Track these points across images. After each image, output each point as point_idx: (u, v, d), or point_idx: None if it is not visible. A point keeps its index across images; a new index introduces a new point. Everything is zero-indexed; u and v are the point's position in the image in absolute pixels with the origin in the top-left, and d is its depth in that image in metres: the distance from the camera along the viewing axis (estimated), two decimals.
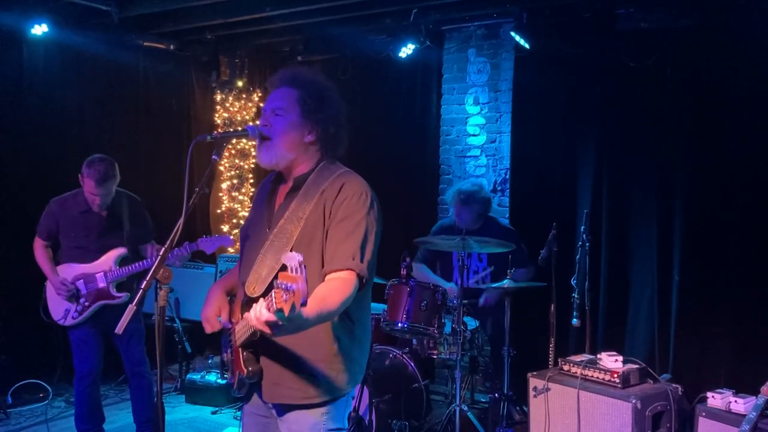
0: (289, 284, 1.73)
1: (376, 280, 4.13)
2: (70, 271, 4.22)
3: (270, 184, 2.44)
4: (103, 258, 4.21)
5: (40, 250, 4.26)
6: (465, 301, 4.35)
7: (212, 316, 2.39)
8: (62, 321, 4.18)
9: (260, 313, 1.84)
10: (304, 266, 1.74)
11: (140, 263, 4.19)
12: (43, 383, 5.32)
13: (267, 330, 1.88)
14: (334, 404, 2.28)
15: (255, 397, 2.36)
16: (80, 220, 4.19)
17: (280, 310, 1.76)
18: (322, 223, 2.22)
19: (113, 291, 4.19)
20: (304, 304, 1.74)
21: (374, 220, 2.25)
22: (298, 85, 2.33)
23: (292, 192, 2.33)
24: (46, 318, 4.27)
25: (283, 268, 1.77)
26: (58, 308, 4.21)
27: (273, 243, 2.26)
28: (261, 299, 1.89)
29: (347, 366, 2.27)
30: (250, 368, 2.23)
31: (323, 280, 2.17)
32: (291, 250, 2.19)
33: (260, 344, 2.23)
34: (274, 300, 1.79)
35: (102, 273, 4.17)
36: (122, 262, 4.23)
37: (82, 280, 4.18)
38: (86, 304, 4.17)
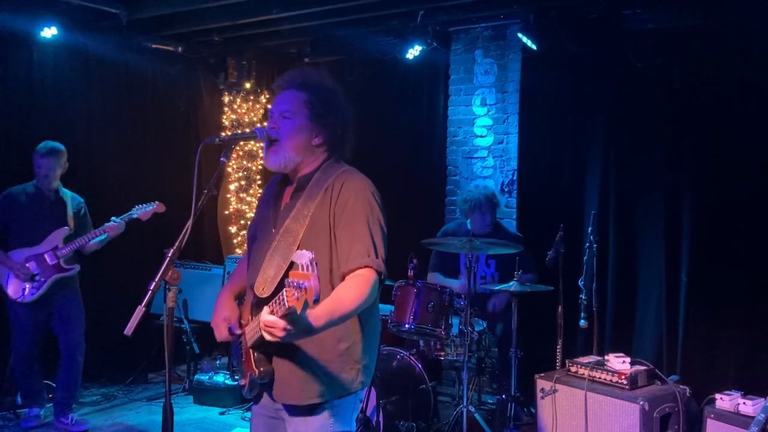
0: (300, 282, 1.72)
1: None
2: (20, 255, 4.60)
3: (276, 186, 2.46)
4: (49, 238, 4.64)
5: None
6: (473, 309, 4.36)
7: (221, 323, 2.41)
8: (21, 298, 4.58)
9: (265, 319, 1.84)
10: (316, 263, 1.75)
11: (84, 237, 4.65)
12: (52, 384, 5.34)
13: (273, 336, 1.88)
14: (341, 405, 2.28)
15: (264, 398, 2.36)
16: (31, 202, 4.66)
17: (292, 308, 1.76)
18: (328, 221, 2.24)
19: (65, 265, 4.66)
20: (317, 301, 1.75)
21: (380, 215, 2.27)
22: (306, 88, 2.34)
23: (297, 192, 2.34)
24: (11, 296, 4.60)
25: (291, 267, 1.78)
26: (15, 287, 4.59)
27: (280, 243, 2.27)
28: (270, 301, 1.90)
29: (355, 367, 2.27)
30: (261, 369, 2.23)
31: (341, 281, 2.19)
32: (298, 249, 2.20)
33: (271, 345, 2.23)
34: (285, 299, 1.78)
35: (50, 251, 4.62)
36: (67, 239, 4.66)
37: (33, 261, 4.59)
38: (42, 280, 4.60)
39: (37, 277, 4.58)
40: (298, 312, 1.76)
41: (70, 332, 4.75)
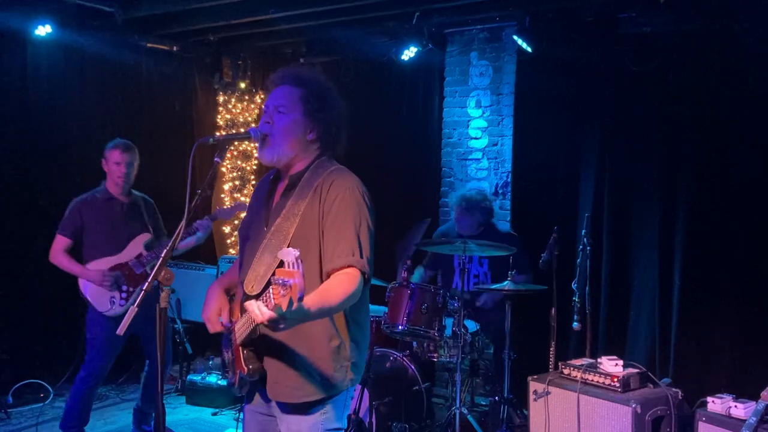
0: (286, 279, 1.74)
1: (377, 282, 4.17)
2: (101, 265, 4.26)
3: (268, 184, 2.46)
4: (130, 245, 4.33)
5: (62, 254, 4.24)
6: (466, 311, 4.36)
7: (213, 315, 2.41)
8: (110, 311, 4.22)
9: (260, 311, 1.84)
10: (301, 261, 1.76)
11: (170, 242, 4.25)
12: (44, 383, 5.33)
13: (269, 326, 1.89)
14: (332, 404, 2.30)
15: (257, 397, 2.37)
16: (104, 208, 4.31)
17: (278, 306, 1.77)
18: (317, 219, 2.25)
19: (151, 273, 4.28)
20: (301, 298, 1.76)
21: (368, 215, 2.27)
22: (301, 83, 2.36)
23: (288, 190, 2.35)
24: (99, 309, 4.22)
25: (281, 264, 1.79)
26: (102, 300, 4.23)
27: (270, 241, 2.28)
28: (258, 298, 1.90)
29: (345, 366, 2.28)
30: (250, 366, 2.23)
31: (326, 279, 2.20)
32: (287, 247, 2.21)
33: (260, 342, 2.24)
34: (272, 296, 1.79)
35: (134, 260, 4.31)
36: (149, 246, 4.36)
37: (117, 271, 4.26)
38: (130, 290, 4.28)
39: (123, 287, 4.24)
40: (284, 310, 1.77)
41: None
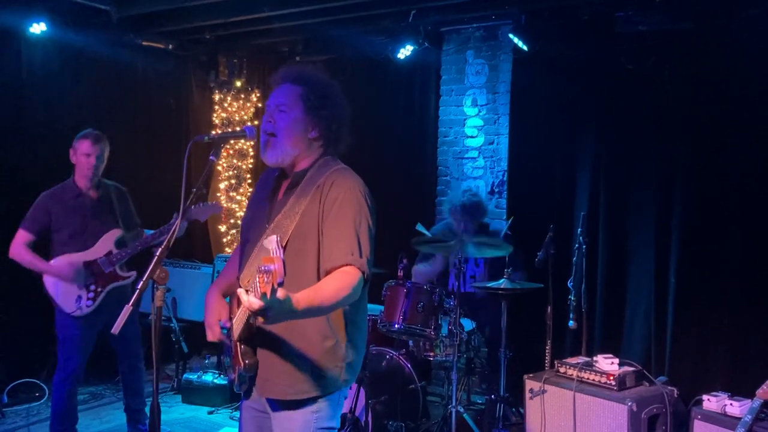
0: (267, 266, 1.74)
1: (377, 270, 4.15)
2: (69, 261, 4.09)
3: (273, 181, 2.46)
4: (100, 242, 4.15)
5: (23, 248, 4.06)
6: (462, 309, 4.37)
7: (214, 322, 2.41)
8: (77, 312, 4.06)
9: (249, 301, 1.83)
10: (282, 246, 1.77)
11: (141, 240, 4.18)
12: (40, 382, 5.31)
13: (259, 317, 1.87)
14: (325, 402, 2.29)
15: (254, 393, 2.37)
16: (73, 205, 4.13)
17: (263, 294, 1.77)
18: (317, 218, 2.24)
19: (121, 272, 4.20)
20: (281, 284, 1.76)
21: (369, 216, 2.27)
22: (302, 82, 2.36)
23: (291, 188, 2.35)
24: (65, 310, 4.08)
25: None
26: (68, 299, 4.07)
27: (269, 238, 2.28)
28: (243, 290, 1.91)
29: (340, 365, 2.28)
30: (247, 361, 2.24)
31: (324, 276, 2.19)
32: (286, 245, 2.20)
33: (256, 338, 2.25)
34: (258, 285, 1.80)
35: (104, 257, 4.13)
36: (120, 242, 4.21)
37: (85, 269, 4.10)
38: (98, 289, 4.12)
39: (91, 287, 4.10)
40: (268, 297, 1.76)
41: (130, 347, 4.32)
